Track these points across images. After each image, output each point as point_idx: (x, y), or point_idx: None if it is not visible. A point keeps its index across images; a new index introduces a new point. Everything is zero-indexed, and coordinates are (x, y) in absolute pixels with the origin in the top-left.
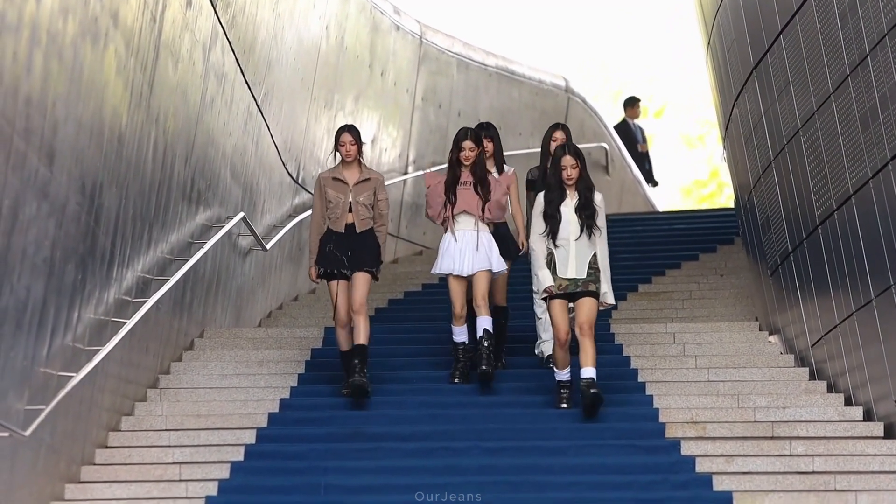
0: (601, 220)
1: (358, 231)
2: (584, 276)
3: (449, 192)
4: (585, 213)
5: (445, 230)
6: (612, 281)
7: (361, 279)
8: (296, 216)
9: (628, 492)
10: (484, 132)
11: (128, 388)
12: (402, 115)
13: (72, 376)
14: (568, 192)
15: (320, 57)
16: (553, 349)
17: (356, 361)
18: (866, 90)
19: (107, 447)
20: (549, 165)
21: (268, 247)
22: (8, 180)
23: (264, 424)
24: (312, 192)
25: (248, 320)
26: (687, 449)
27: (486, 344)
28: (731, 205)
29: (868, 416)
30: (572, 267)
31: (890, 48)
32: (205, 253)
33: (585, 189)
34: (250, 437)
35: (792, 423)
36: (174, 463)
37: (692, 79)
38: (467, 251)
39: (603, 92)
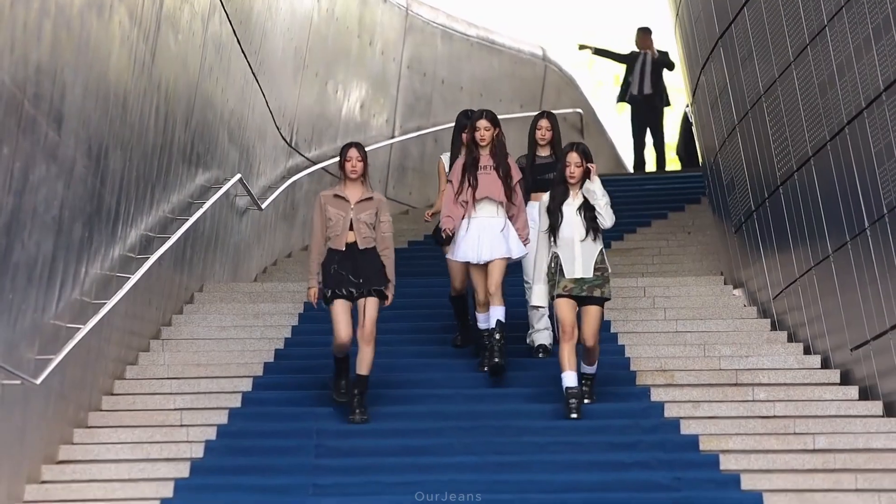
0: (595, 185)
1: (360, 248)
2: (591, 276)
3: (469, 174)
4: (587, 214)
5: (462, 216)
6: None
7: (371, 304)
8: (289, 177)
9: (603, 436)
10: (469, 122)
11: (132, 339)
12: (389, 82)
13: (79, 328)
14: (571, 190)
15: (312, 27)
16: (559, 348)
17: (356, 392)
18: (824, 59)
19: (112, 394)
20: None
21: (263, 206)
22: (19, 143)
23: (260, 373)
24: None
25: (245, 275)
26: (656, 395)
27: (497, 336)
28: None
29: (825, 364)
30: (579, 267)
31: (847, 19)
32: (204, 212)
33: (586, 190)
34: (247, 385)
35: (754, 371)
36: (176, 409)
37: (663, 48)
38: (485, 238)
39: (579, 60)
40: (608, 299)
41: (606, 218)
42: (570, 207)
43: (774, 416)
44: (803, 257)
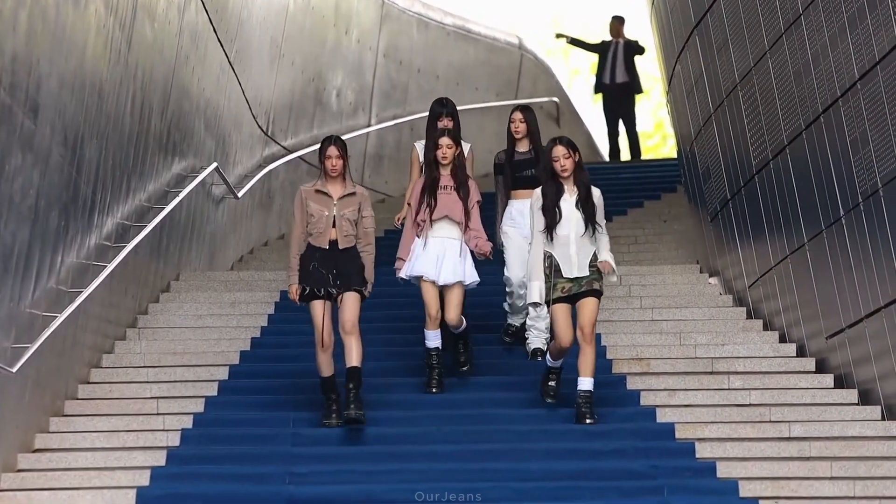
0: (601, 218)
1: (341, 248)
2: (587, 273)
3: (428, 194)
4: (587, 207)
5: (418, 235)
6: None
7: (351, 298)
8: (265, 166)
9: (577, 425)
10: (445, 109)
11: (108, 327)
12: (365, 71)
13: (56, 316)
14: (566, 186)
15: (288, 16)
16: (550, 348)
17: (350, 386)
18: (800, 48)
19: (89, 383)
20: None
21: (239, 195)
22: None
23: (237, 362)
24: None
25: (221, 264)
26: (632, 384)
27: (462, 349)
28: (674, 155)
29: (801, 353)
30: (575, 265)
31: (822, 7)
32: (180, 201)
33: (584, 185)
34: (223, 374)
35: (730, 360)
36: (152, 398)
37: (638, 37)
38: (447, 258)
39: (554, 48)
40: (602, 293)
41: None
42: (568, 203)
43: (750, 405)
44: (779, 246)
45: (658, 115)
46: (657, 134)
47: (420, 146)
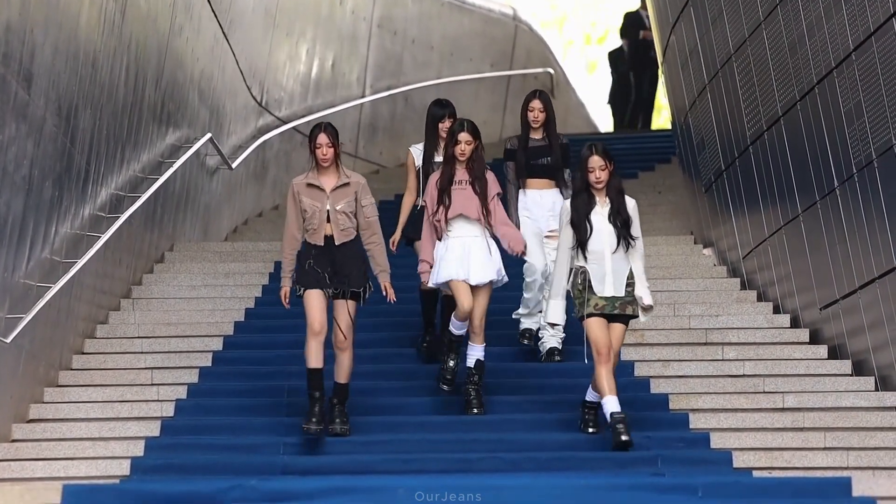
0: (636, 230)
1: (337, 244)
2: (623, 294)
3: (442, 192)
4: (620, 220)
5: (438, 238)
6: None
7: (348, 307)
8: (260, 137)
9: (572, 394)
10: (446, 111)
11: (102, 298)
12: (360, 42)
13: (50, 287)
14: (597, 197)
15: None
16: (595, 372)
17: (335, 401)
18: (794, 19)
19: (83, 353)
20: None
21: (233, 165)
22: None
23: (231, 332)
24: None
25: (215, 234)
26: (626, 355)
27: (476, 378)
28: (669, 126)
29: (795, 324)
30: (609, 284)
31: None
32: (174, 171)
33: (617, 193)
34: (217, 345)
35: (724, 330)
36: (146, 368)
37: (633, 7)
38: (470, 257)
39: (549, 19)
40: (636, 317)
41: (646, 295)
42: (600, 217)
43: (744, 375)
44: (773, 217)
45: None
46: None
47: (416, 150)
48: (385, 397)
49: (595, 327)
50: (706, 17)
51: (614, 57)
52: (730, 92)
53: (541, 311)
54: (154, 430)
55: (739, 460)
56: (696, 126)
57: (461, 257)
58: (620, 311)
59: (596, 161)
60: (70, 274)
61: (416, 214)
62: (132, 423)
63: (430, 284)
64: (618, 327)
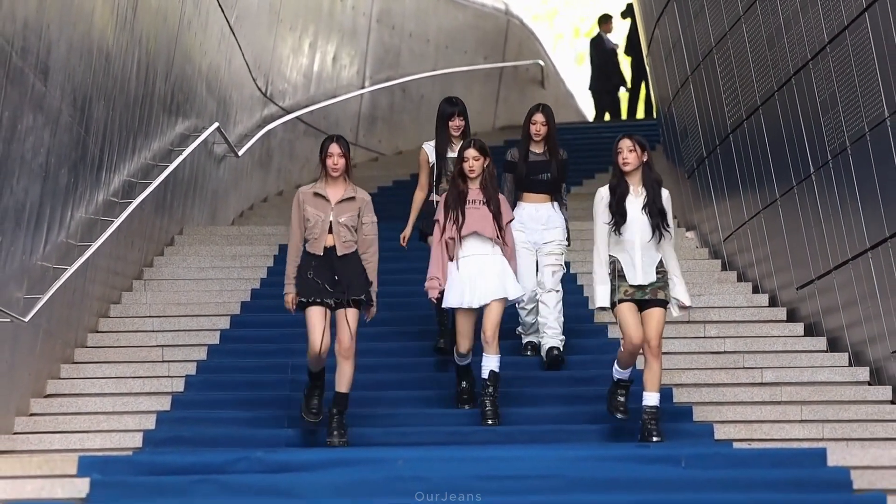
0: (670, 221)
1: (339, 255)
2: (653, 280)
3: (454, 209)
4: (654, 210)
5: (450, 257)
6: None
7: (350, 316)
8: (264, 126)
9: (563, 370)
10: (456, 108)
11: (115, 279)
12: (359, 35)
13: (65, 269)
14: (632, 186)
15: None
16: (619, 354)
17: (335, 411)
18: (772, 13)
19: (97, 332)
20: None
21: (240, 153)
22: (7, 94)
23: (237, 312)
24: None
25: (223, 219)
26: (614, 332)
27: (490, 389)
28: (653, 115)
29: (773, 302)
30: (640, 272)
31: None
32: (183, 159)
33: (653, 182)
34: (225, 323)
35: (706, 309)
36: (157, 346)
37: (619, 3)
38: (479, 277)
39: (540, 13)
40: (668, 302)
41: (684, 295)
42: (634, 206)
43: (725, 352)
44: (752, 201)
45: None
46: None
47: (429, 147)
48: (382, 373)
49: (626, 314)
50: (689, 11)
51: (594, 44)
52: (711, 83)
53: (536, 331)
54: (165, 404)
55: (720, 432)
56: (680, 115)
57: (469, 279)
58: (652, 297)
59: (625, 143)
60: (85, 256)
61: (430, 209)
62: (144, 397)
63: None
64: (654, 312)
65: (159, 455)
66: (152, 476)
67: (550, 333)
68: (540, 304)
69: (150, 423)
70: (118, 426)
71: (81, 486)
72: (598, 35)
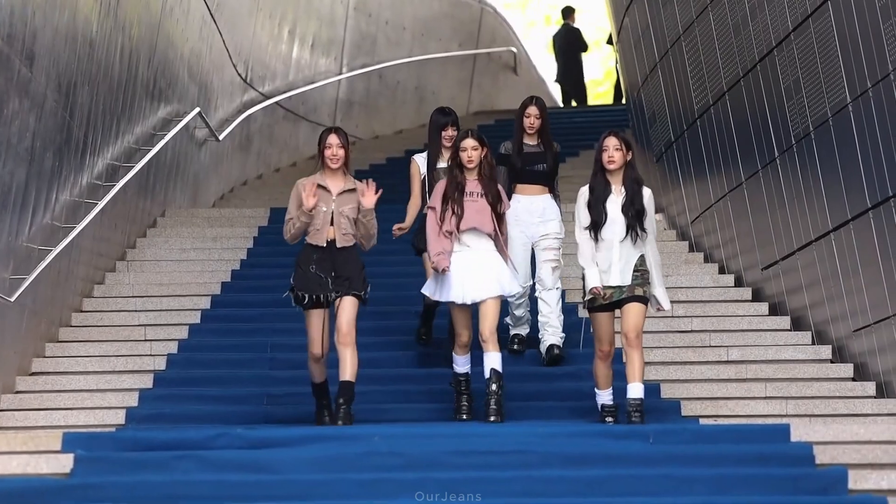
0: (650, 223)
1: (339, 247)
2: (630, 281)
3: (452, 202)
4: (633, 211)
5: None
6: None
7: (349, 304)
8: (245, 111)
9: (534, 348)
10: (450, 118)
11: (99, 260)
12: (337, 23)
13: (50, 250)
14: (613, 185)
15: None
16: (594, 365)
17: (341, 401)
18: (738, 2)
19: (81, 311)
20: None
21: (220, 138)
22: None
23: (218, 292)
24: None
25: (204, 202)
26: (583, 312)
27: (494, 387)
28: (623, 101)
29: (738, 283)
30: (616, 272)
31: None
32: (165, 143)
33: (633, 182)
34: (206, 303)
35: (673, 290)
36: (140, 325)
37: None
38: (475, 271)
39: (513, 2)
40: (648, 300)
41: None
42: (615, 205)
43: (692, 331)
44: (718, 184)
45: (607, 64)
46: (607, 81)
47: (420, 159)
48: (363, 352)
49: (602, 324)
50: (657, 0)
51: (557, 39)
52: (679, 69)
53: (525, 323)
54: (147, 382)
55: (687, 409)
56: (648, 101)
57: (464, 274)
58: (629, 294)
59: (611, 141)
60: (69, 238)
61: (422, 222)
62: (127, 375)
63: (431, 295)
64: (632, 307)
65: (142, 431)
66: (135, 452)
67: (551, 332)
68: (540, 302)
69: (132, 400)
70: (102, 403)
71: (66, 462)
72: (564, 26)
